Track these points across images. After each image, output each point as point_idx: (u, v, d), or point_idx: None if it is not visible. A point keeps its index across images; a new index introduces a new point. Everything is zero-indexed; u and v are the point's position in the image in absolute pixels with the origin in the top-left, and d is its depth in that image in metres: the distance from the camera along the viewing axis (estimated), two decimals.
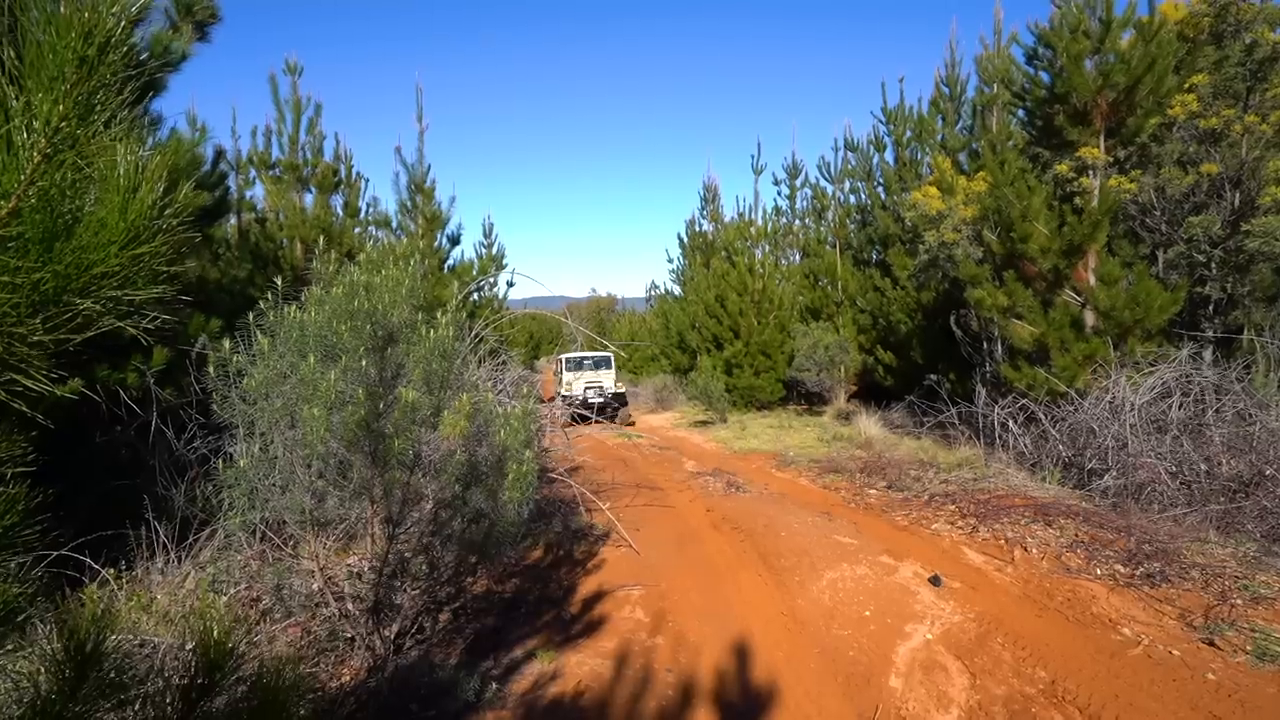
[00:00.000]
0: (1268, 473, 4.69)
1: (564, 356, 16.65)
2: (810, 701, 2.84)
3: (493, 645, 3.38)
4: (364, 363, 2.88)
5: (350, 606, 3.29)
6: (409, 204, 11.22)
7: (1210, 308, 7.30)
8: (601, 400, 14.30)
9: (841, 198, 14.06)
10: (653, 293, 20.07)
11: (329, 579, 3.26)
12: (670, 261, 17.45)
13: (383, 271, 3.32)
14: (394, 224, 11.31)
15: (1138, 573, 3.95)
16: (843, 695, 2.88)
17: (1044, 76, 8.17)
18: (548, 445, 6.52)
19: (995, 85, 10.30)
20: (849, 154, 13.91)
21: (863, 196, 13.45)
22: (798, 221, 15.33)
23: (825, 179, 14.54)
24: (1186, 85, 7.08)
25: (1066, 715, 2.67)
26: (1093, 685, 2.84)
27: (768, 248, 14.20)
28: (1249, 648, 3.05)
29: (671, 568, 4.41)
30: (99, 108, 0.81)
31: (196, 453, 3.90)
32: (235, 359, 2.87)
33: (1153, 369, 6.32)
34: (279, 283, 3.06)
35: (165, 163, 0.81)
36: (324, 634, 3.24)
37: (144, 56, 0.89)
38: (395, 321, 3.18)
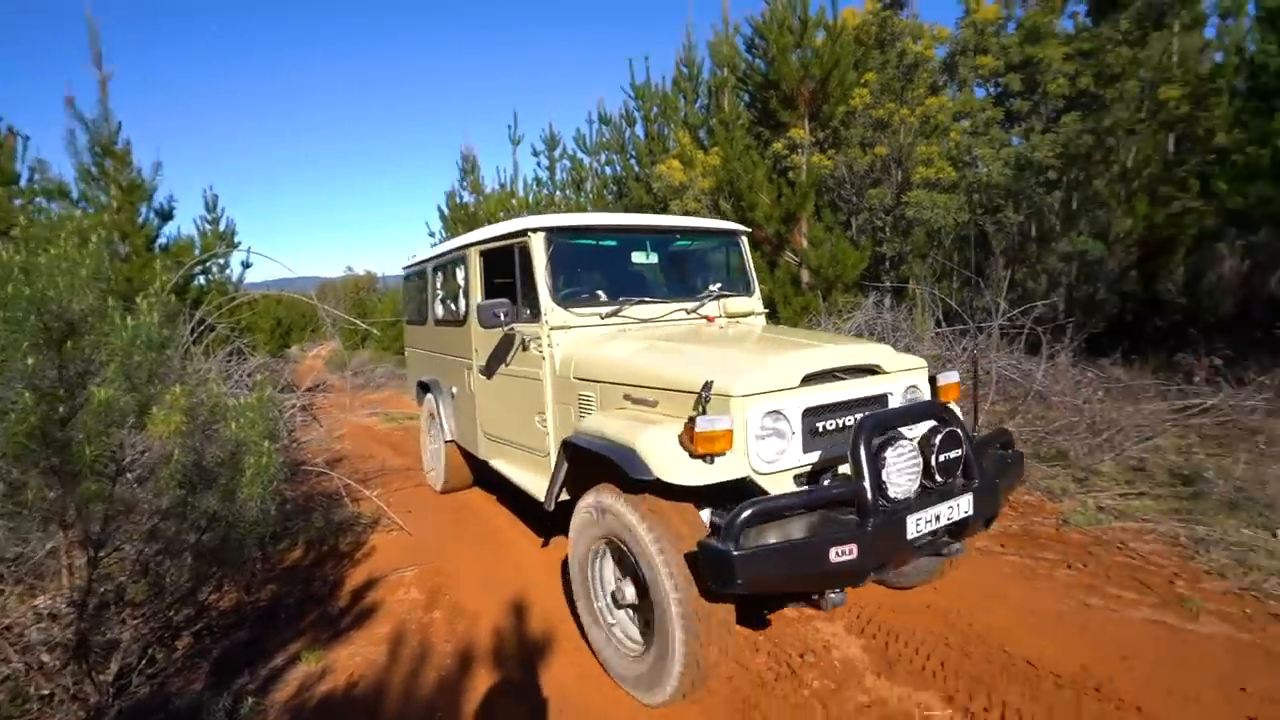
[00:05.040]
0: None
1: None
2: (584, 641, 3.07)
3: (247, 659, 3.07)
4: (30, 361, 2.37)
5: (45, 657, 2.74)
6: (94, 170, 9.13)
7: (887, 264, 9.06)
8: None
9: (598, 169, 14.59)
10: None
11: (4, 629, 2.68)
12: (431, 235, 16.55)
13: (52, 250, 2.74)
14: (75, 194, 9.13)
15: None
16: None
17: (761, 64, 9.28)
18: (301, 437, 5.94)
19: (724, 69, 11.44)
20: (603, 127, 14.42)
21: (618, 168, 14.10)
22: (558, 193, 15.56)
23: (582, 151, 14.92)
24: (862, 81, 8.57)
25: None
26: None
27: None
28: None
29: (448, 543, 4.37)
30: None
31: None
32: None
33: (850, 316, 7.70)
34: None
35: None
36: (4, 700, 2.66)
37: None
38: (77, 310, 2.65)
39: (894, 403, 2.75)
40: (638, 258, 3.86)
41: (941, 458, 2.34)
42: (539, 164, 15.98)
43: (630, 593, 2.61)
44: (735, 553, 2.00)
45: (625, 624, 2.76)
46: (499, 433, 4.01)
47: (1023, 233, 8.64)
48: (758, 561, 2.03)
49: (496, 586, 3.67)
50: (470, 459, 4.84)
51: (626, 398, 2.84)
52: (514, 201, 13.96)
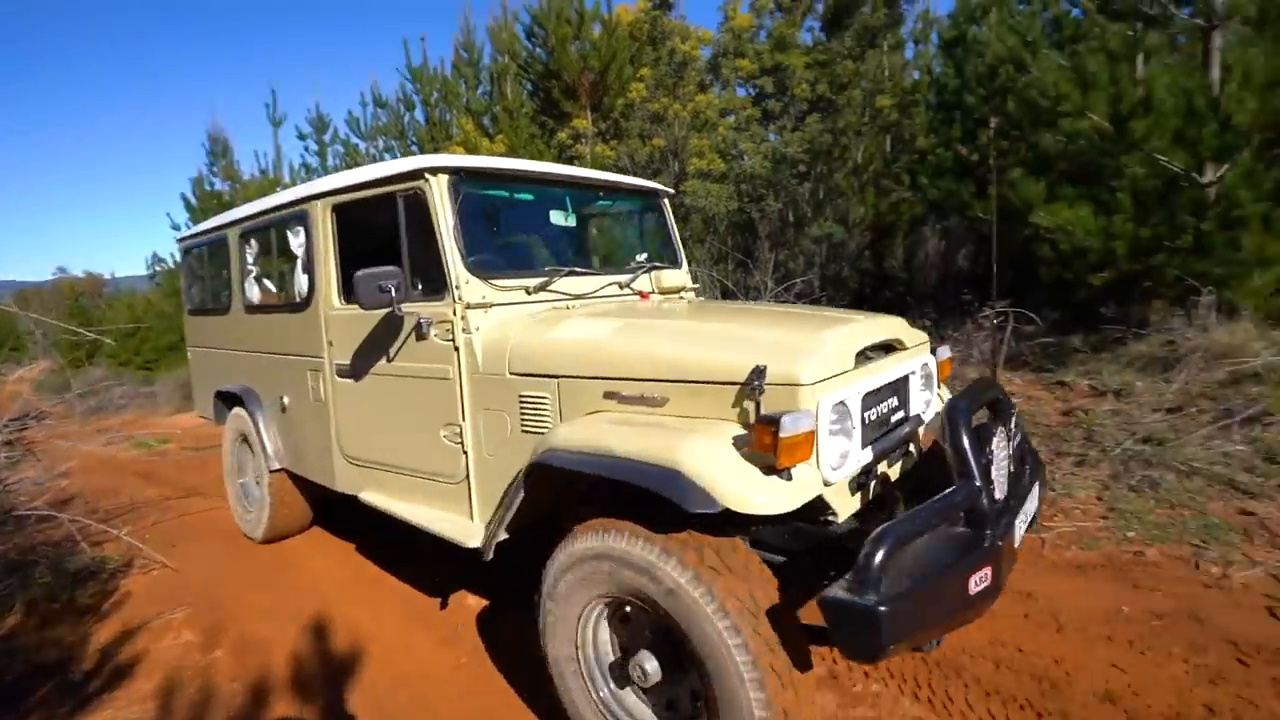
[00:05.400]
0: None
1: None
2: (396, 643, 2.95)
3: None
4: None
5: None
6: None
7: None
8: None
9: (376, 155, 13.61)
10: (158, 267, 16.00)
11: None
12: (175, 227, 14.23)
13: None
14: None
15: None
16: (425, 628, 3.07)
17: (541, 54, 9.34)
18: (8, 478, 4.82)
19: (506, 56, 11.29)
20: (379, 110, 13.45)
21: (397, 154, 13.28)
22: None
23: (356, 135, 13.76)
24: (638, 75, 9.04)
25: None
26: None
27: None
28: None
29: (225, 574, 3.87)
30: None
31: None
32: None
33: None
34: None
35: None
36: None
37: None
38: None
39: (914, 382, 2.33)
40: (556, 218, 3.16)
41: (1013, 446, 1.99)
42: (306, 148, 14.49)
43: (652, 668, 1.89)
44: (883, 609, 1.39)
45: (633, 705, 2.04)
46: (375, 455, 3.01)
47: (782, 219, 9.79)
48: (908, 614, 1.44)
49: (289, 610, 3.34)
50: (311, 491, 3.80)
51: (611, 395, 2.11)
52: (279, 189, 12.49)
